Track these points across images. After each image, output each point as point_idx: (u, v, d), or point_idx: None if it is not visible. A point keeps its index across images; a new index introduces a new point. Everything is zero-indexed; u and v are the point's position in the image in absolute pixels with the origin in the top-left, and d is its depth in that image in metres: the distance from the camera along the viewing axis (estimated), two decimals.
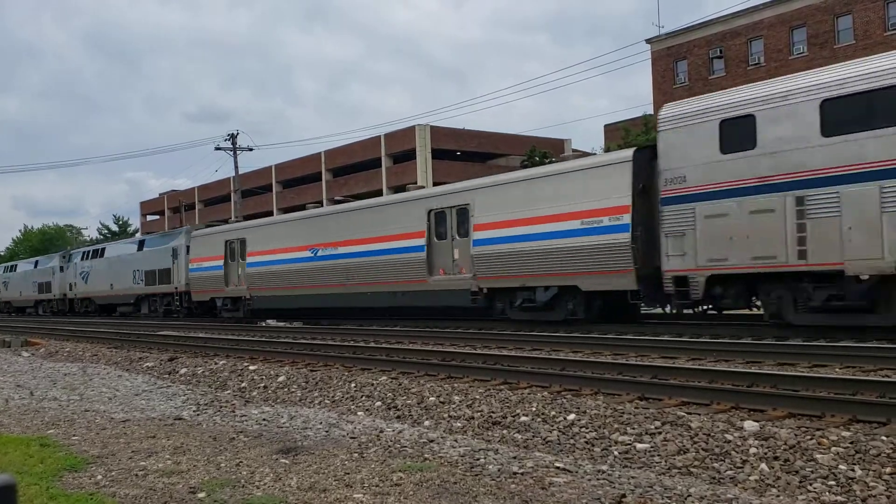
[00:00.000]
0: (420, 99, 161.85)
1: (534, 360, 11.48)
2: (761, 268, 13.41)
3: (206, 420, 8.74)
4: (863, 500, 5.18)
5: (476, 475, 5.72)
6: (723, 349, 11.55)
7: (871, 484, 5.36)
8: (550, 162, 19.23)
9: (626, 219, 15.72)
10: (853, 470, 5.57)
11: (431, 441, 7.12)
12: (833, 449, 5.90)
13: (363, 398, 9.95)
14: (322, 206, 36.45)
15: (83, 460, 6.49)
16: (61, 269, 44.98)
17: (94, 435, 7.80)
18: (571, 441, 7.09)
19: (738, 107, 13.87)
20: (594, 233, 16.32)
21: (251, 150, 47.57)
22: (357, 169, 56.16)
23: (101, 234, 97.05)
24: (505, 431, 7.68)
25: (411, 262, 20.84)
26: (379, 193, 45.68)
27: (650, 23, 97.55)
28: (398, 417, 8.83)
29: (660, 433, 6.81)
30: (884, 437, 5.95)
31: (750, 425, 6.58)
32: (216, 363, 14.19)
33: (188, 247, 31.62)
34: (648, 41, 46.02)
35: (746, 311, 15.32)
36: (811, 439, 6.13)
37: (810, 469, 5.68)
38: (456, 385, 9.73)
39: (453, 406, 8.78)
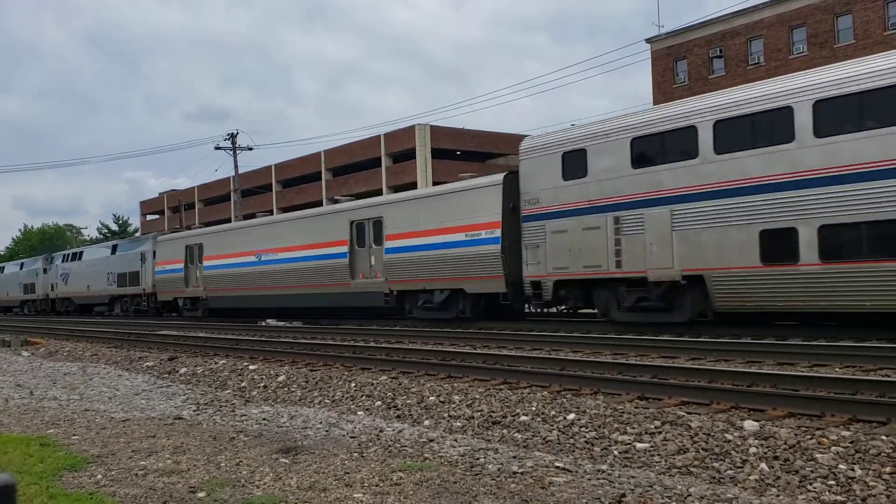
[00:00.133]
0: (420, 99, 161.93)
1: (533, 359, 11.48)
2: (591, 274, 16.34)
3: (206, 419, 8.74)
4: (863, 500, 5.18)
5: (476, 475, 5.72)
6: (723, 349, 11.56)
7: (871, 483, 5.36)
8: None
9: (498, 232, 18.58)
10: (853, 469, 5.57)
11: (431, 440, 7.12)
12: (833, 448, 5.90)
13: (363, 398, 9.95)
14: (323, 204, 37.32)
15: (83, 460, 6.49)
16: (44, 270, 47.47)
17: (94, 434, 7.80)
18: (571, 441, 7.09)
19: (575, 142, 16.85)
20: (475, 244, 19.18)
21: (251, 149, 47.59)
22: (357, 168, 56.13)
23: (101, 233, 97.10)
24: (505, 431, 7.68)
25: (337, 267, 23.54)
26: (379, 193, 45.63)
27: (650, 22, 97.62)
28: (398, 417, 8.83)
29: (660, 433, 6.81)
30: (884, 437, 5.95)
31: (750, 425, 6.58)
32: (216, 363, 14.19)
33: (154, 251, 34.50)
34: (648, 41, 46.02)
35: (590, 310, 18.19)
36: (811, 439, 6.13)
37: (810, 469, 5.68)
38: (456, 385, 9.73)
39: (453, 406, 8.78)
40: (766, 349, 11.33)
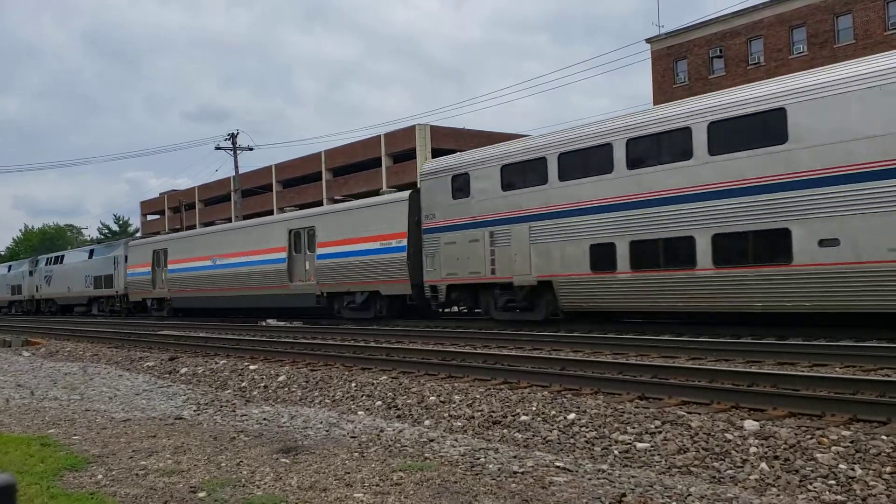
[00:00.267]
0: (420, 99, 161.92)
1: (534, 359, 11.49)
2: (474, 280, 19.20)
3: (206, 419, 8.74)
4: (863, 500, 5.18)
5: (476, 474, 5.72)
6: (723, 349, 11.56)
7: (872, 483, 5.36)
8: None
9: (405, 242, 21.30)
10: (853, 469, 5.57)
11: (432, 440, 7.12)
12: (833, 448, 5.90)
13: (363, 398, 9.95)
14: (323, 204, 38.21)
15: (84, 460, 6.49)
16: (30, 273, 50.23)
17: (95, 434, 7.80)
18: (572, 440, 7.09)
19: (461, 167, 19.81)
20: (387, 252, 21.97)
21: (251, 149, 47.61)
22: (357, 168, 56.09)
23: (101, 233, 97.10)
24: (505, 431, 7.68)
25: (278, 271, 26.31)
26: (379, 193, 45.79)
27: (650, 22, 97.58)
28: (398, 417, 8.83)
29: (660, 432, 6.81)
30: (884, 437, 5.96)
31: (750, 424, 6.58)
32: (217, 363, 14.20)
33: (126, 256, 37.36)
34: (648, 41, 46.00)
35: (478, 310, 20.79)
36: (811, 438, 6.13)
37: (810, 468, 5.68)
38: (456, 384, 9.73)
39: (454, 405, 8.78)
40: (767, 349, 11.33)
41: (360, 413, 9.16)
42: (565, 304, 17.22)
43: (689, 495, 5.16)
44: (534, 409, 8.05)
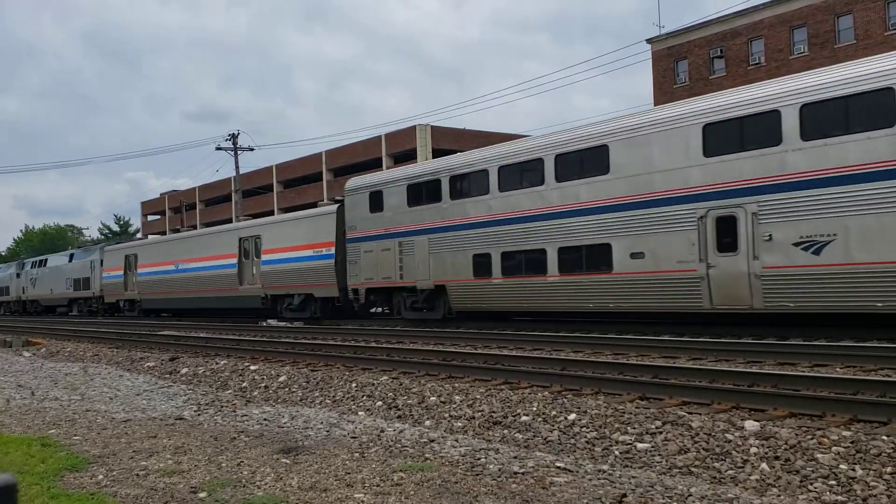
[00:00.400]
0: (420, 99, 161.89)
1: (534, 359, 11.49)
2: (387, 284, 21.76)
3: (207, 420, 8.75)
4: (863, 500, 5.18)
5: (477, 475, 5.73)
6: (723, 349, 11.56)
7: (872, 483, 5.36)
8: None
9: (333, 250, 23.98)
10: (854, 469, 5.57)
11: (432, 441, 7.13)
12: (834, 448, 5.90)
13: (364, 398, 9.95)
14: (322, 204, 39.90)
15: (84, 460, 6.50)
16: (17, 275, 53.06)
17: (96, 435, 7.81)
18: (572, 441, 7.09)
19: (377, 185, 22.47)
20: (318, 259, 24.59)
21: (252, 150, 47.63)
22: (358, 169, 55.94)
23: (102, 234, 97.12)
24: (506, 431, 7.68)
25: (229, 275, 29.14)
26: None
27: (650, 23, 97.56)
28: (399, 417, 8.83)
29: (661, 433, 6.81)
30: (884, 437, 5.95)
31: (751, 425, 6.58)
32: (217, 363, 14.20)
33: (102, 260, 40.14)
34: (649, 41, 45.98)
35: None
36: (812, 439, 6.13)
37: (811, 469, 5.68)
38: (457, 385, 9.73)
39: (454, 406, 8.78)
40: (767, 349, 11.32)
41: (360, 413, 9.16)
42: (455, 304, 20.06)
43: (690, 496, 5.16)
44: (534, 409, 8.05)
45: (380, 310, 24.22)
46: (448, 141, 51.31)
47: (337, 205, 24.55)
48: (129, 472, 6.05)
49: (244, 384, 12.18)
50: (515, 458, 6.31)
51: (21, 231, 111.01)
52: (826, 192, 12.89)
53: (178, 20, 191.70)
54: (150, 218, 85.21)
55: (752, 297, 13.82)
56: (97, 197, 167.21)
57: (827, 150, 12.90)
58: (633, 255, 15.65)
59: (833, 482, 5.46)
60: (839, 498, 5.25)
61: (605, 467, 6.05)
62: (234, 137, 46.14)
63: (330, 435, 7.59)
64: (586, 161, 16.62)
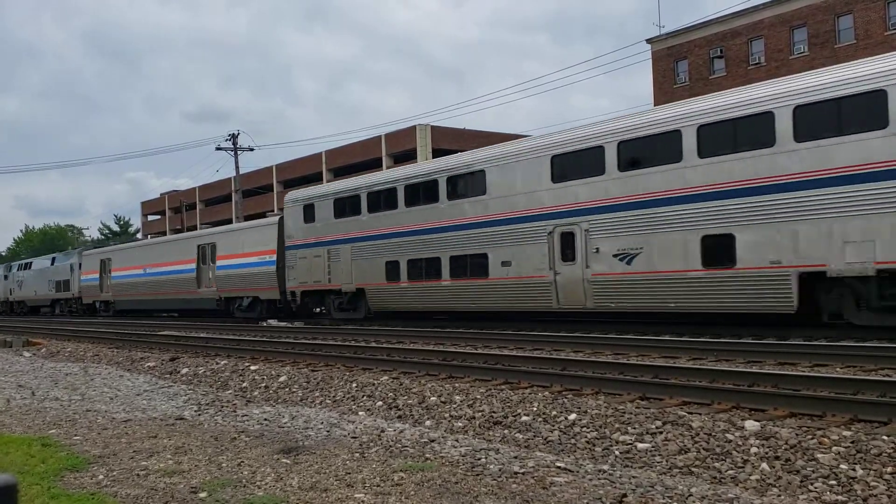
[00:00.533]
0: (420, 99, 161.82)
1: (535, 359, 11.48)
2: (319, 287, 24.54)
3: (207, 420, 8.75)
4: (864, 500, 5.18)
5: (477, 475, 5.73)
6: (724, 349, 11.55)
7: (872, 483, 5.36)
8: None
9: (275, 257, 26.99)
10: (854, 469, 5.57)
11: (433, 441, 7.13)
12: (834, 448, 5.90)
13: (364, 398, 9.95)
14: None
15: (85, 460, 6.50)
16: (5, 277, 55.94)
17: (96, 435, 7.81)
18: (572, 441, 7.09)
19: (309, 199, 25.34)
20: (263, 265, 27.71)
21: (252, 150, 47.60)
22: (358, 169, 55.95)
23: (102, 234, 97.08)
24: (506, 431, 7.68)
25: (189, 279, 32.40)
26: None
27: (650, 22, 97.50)
28: (399, 417, 8.83)
29: (661, 433, 6.81)
30: (885, 437, 5.95)
31: (751, 425, 6.58)
32: (217, 363, 14.20)
33: (80, 264, 43.35)
34: (649, 41, 45.96)
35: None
36: (812, 439, 6.13)
37: (811, 469, 5.68)
38: (457, 385, 9.73)
39: (454, 406, 8.78)
40: (767, 349, 11.32)
41: (360, 413, 9.16)
42: (373, 305, 22.94)
43: (690, 496, 5.16)
44: (535, 409, 8.05)
45: (321, 310, 26.69)
46: (448, 141, 51.31)
47: (279, 217, 27.51)
48: (129, 472, 6.05)
49: (244, 384, 12.18)
50: (516, 458, 6.32)
51: (21, 231, 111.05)
52: (635, 213, 15.78)
53: (178, 20, 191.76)
54: (150, 218, 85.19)
55: (586, 298, 16.82)
56: (97, 197, 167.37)
57: (637, 179, 15.77)
58: (504, 264, 18.57)
59: (833, 482, 5.46)
60: (839, 498, 5.25)
61: (605, 467, 6.05)
62: (234, 137, 46.14)
63: (330, 435, 7.59)
64: (469, 183, 19.73)
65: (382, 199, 22.32)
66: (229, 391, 11.82)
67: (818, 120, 13.07)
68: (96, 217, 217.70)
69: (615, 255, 16.04)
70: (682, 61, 44.59)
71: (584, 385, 8.99)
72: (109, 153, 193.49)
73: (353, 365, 12.41)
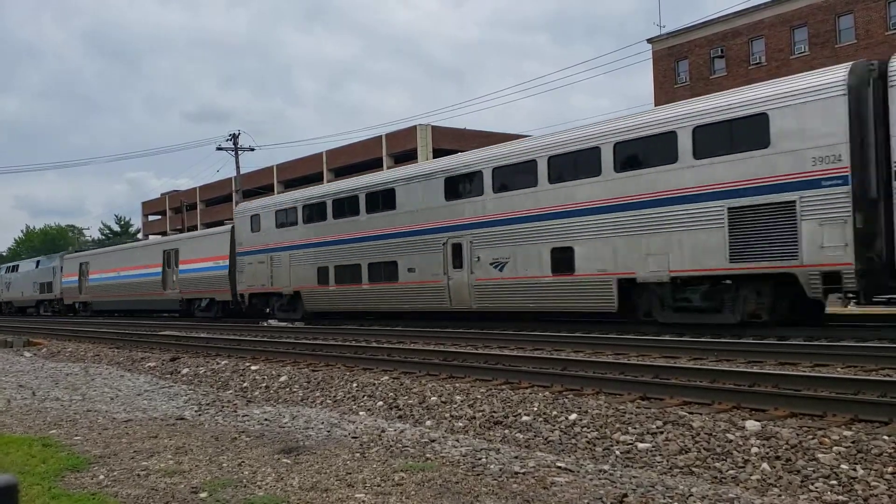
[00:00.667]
0: (420, 99, 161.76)
1: (535, 359, 11.48)
2: (263, 290, 27.16)
3: (207, 420, 8.75)
4: (864, 500, 5.18)
5: (478, 475, 5.73)
6: (724, 349, 11.55)
7: (873, 483, 5.35)
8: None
9: (227, 262, 29.89)
10: (855, 469, 5.57)
11: (433, 441, 7.12)
12: (835, 448, 5.90)
13: (365, 398, 9.95)
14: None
15: (85, 460, 6.50)
16: None
17: (97, 435, 7.81)
18: (573, 441, 7.09)
19: (255, 210, 28.03)
20: (218, 269, 30.65)
21: (252, 150, 47.63)
22: (358, 169, 55.96)
23: (102, 234, 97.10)
24: (507, 431, 7.68)
25: (156, 281, 35.48)
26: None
27: (650, 22, 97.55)
28: (400, 417, 8.83)
29: (661, 433, 6.81)
30: (885, 437, 5.95)
31: (752, 425, 6.58)
32: (218, 363, 14.21)
33: (62, 267, 46.35)
34: (650, 41, 45.96)
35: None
36: (813, 439, 6.13)
37: (812, 468, 5.68)
38: (457, 385, 9.73)
39: (455, 406, 8.78)
40: (768, 349, 11.32)
41: (361, 413, 9.16)
42: (307, 306, 25.33)
43: (691, 496, 5.16)
44: (535, 409, 8.05)
45: (270, 310, 28.55)
46: (448, 141, 51.32)
47: (231, 226, 30.26)
48: (129, 473, 6.05)
49: (245, 384, 12.18)
50: (516, 458, 6.32)
51: (22, 231, 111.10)
52: (505, 228, 18.55)
53: (178, 20, 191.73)
54: (150, 218, 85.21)
55: (471, 300, 19.58)
56: (98, 197, 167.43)
57: (507, 199, 18.52)
58: (410, 270, 21.14)
59: (834, 482, 5.46)
60: (840, 498, 5.24)
61: (606, 467, 6.05)
62: (234, 137, 46.18)
63: (331, 435, 7.59)
64: (382, 199, 22.31)
65: (314, 212, 24.96)
66: (230, 391, 11.82)
67: (634, 154, 16.01)
68: (97, 217, 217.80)
69: (491, 264, 18.89)
70: (682, 61, 44.58)
71: (585, 385, 8.99)
72: (109, 153, 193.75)
73: (354, 365, 12.41)
